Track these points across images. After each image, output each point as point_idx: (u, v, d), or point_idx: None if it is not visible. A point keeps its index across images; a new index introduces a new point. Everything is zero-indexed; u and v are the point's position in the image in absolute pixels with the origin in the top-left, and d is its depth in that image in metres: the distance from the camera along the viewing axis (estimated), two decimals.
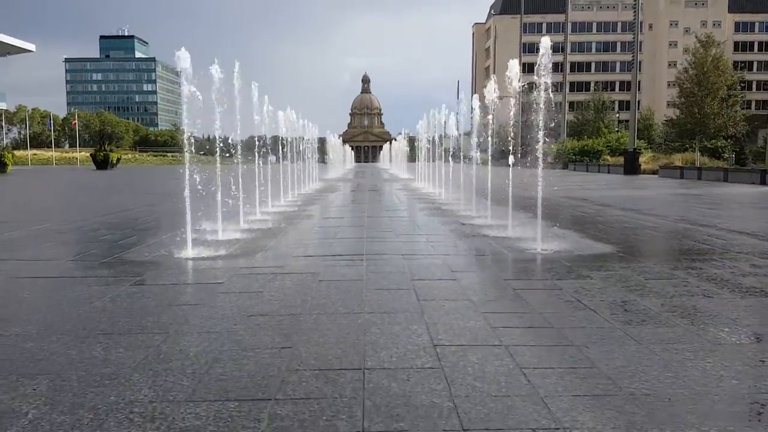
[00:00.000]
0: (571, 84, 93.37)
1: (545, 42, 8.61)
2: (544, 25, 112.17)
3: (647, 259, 7.89)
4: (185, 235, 8.06)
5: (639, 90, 60.93)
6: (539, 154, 8.80)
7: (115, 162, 67.81)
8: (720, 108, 56.90)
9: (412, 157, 47.66)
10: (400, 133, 65.08)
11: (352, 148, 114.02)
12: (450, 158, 21.72)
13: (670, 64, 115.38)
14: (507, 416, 3.01)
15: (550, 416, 3.00)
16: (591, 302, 5.29)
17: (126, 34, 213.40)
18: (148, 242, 9.16)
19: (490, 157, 13.78)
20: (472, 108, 15.72)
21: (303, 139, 27.51)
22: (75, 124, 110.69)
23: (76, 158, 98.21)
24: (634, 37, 43.46)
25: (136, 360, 3.86)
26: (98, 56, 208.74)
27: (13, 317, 4.96)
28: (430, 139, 26.61)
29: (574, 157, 53.05)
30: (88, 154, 77.66)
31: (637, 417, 3.00)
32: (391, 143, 79.90)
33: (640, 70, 46.04)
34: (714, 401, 3.21)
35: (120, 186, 30.51)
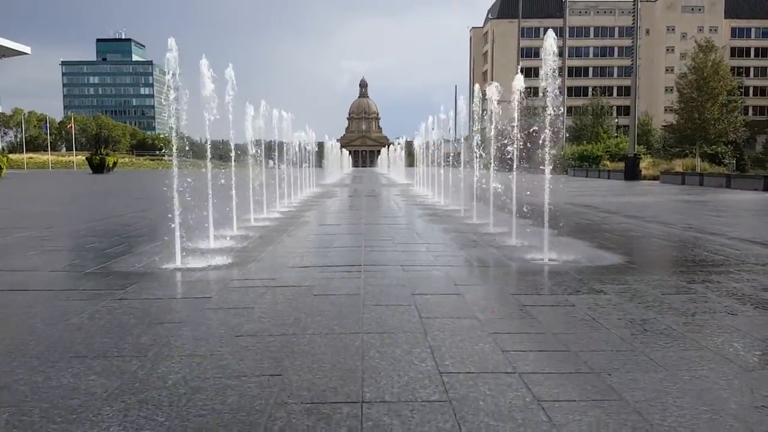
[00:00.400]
0: (569, 89, 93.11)
1: (550, 38, 8.23)
2: (542, 30, 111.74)
3: (660, 271, 7.51)
4: (175, 244, 7.65)
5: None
6: (541, 159, 8.42)
7: (111, 166, 67.39)
8: (720, 113, 56.56)
9: (410, 161, 47.35)
10: (398, 138, 64.77)
11: (350, 153, 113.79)
12: (449, 163, 21.36)
13: (667, 70, 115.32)
14: None
15: None
16: (607, 321, 4.90)
17: (123, 37, 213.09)
18: (136, 251, 8.75)
19: (492, 164, 13.40)
20: (471, 112, 15.38)
21: (300, 143, 27.12)
22: (71, 127, 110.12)
23: (73, 162, 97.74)
24: (632, 42, 43.18)
25: (108, 389, 3.46)
26: (95, 59, 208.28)
27: None
28: (429, 143, 26.23)
29: (573, 162, 52.68)
30: (84, 158, 77.12)
31: None
32: (388, 148, 79.60)
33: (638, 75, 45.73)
34: None
35: (114, 191, 30.09)
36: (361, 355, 4.03)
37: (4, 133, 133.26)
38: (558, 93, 8.31)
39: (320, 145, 49.05)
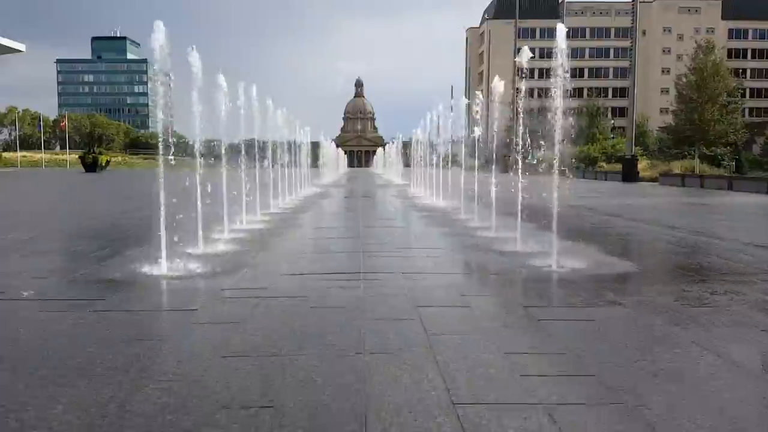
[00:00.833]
0: (565, 90, 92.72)
1: (560, 31, 7.81)
2: (538, 31, 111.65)
3: (676, 280, 7.09)
4: (162, 249, 7.17)
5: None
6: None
7: (104, 165, 66.67)
8: (720, 114, 56.21)
9: (406, 162, 46.91)
10: (394, 138, 64.20)
11: (345, 153, 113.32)
12: (446, 164, 20.94)
13: (663, 71, 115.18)
14: None
15: None
16: (631, 339, 4.47)
17: (118, 35, 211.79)
18: (121, 255, 8.27)
19: (493, 165, 12.98)
20: (468, 112, 15.01)
21: (295, 142, 26.65)
22: (64, 125, 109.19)
23: (66, 160, 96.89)
24: (631, 44, 42.87)
25: (72, 427, 3.00)
26: (90, 57, 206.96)
27: None
28: (426, 144, 25.80)
29: (572, 163, 52.28)
30: (77, 157, 76.37)
31: None
32: (384, 148, 79.13)
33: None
34: None
35: (105, 190, 29.57)
36: (363, 380, 3.58)
37: None
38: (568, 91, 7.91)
39: (315, 145, 48.52)
